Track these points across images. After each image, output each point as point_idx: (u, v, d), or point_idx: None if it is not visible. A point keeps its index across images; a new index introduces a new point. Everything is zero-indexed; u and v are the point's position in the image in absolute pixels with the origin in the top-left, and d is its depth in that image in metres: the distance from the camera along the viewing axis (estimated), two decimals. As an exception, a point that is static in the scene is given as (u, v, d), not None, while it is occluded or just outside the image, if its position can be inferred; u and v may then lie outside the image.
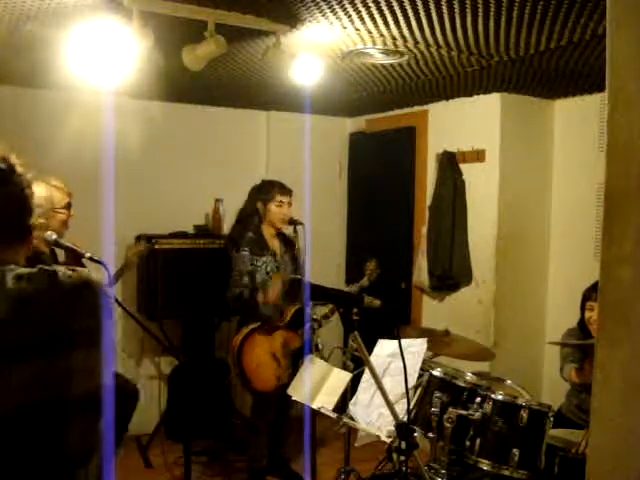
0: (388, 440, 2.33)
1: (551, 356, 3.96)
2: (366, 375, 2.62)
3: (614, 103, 1.13)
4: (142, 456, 4.17)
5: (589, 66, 3.30)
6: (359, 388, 2.69)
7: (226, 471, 4.00)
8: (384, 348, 2.70)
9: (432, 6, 2.43)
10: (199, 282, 4.29)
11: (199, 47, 2.71)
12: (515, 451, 2.60)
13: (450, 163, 4.30)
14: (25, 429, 1.07)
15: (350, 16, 2.59)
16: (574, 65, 3.30)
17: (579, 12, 2.44)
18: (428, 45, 3.00)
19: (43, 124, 4.07)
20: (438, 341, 3.10)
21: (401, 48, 3.07)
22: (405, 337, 2.60)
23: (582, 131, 4.09)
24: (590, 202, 3.87)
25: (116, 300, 3.45)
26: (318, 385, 2.75)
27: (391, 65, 3.42)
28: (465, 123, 4.31)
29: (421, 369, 2.69)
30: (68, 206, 3.16)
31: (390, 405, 2.04)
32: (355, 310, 2.09)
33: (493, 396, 2.69)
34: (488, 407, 2.67)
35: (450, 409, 2.65)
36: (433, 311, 4.55)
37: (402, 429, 2.02)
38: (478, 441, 2.65)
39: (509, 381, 3.14)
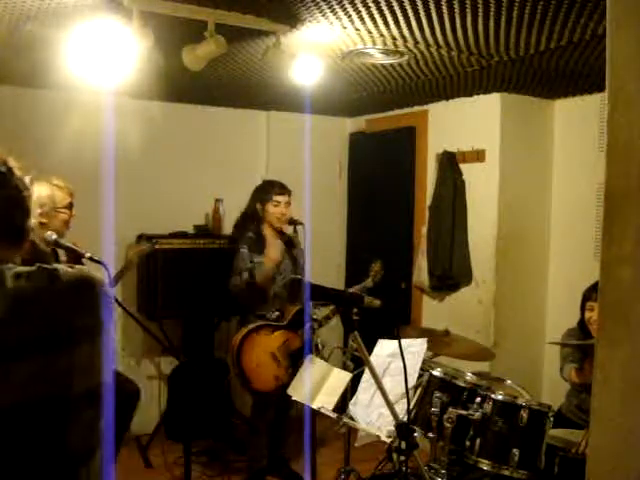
0: (388, 440, 2.32)
1: (551, 356, 3.96)
2: (366, 375, 2.62)
3: (614, 103, 1.13)
4: (142, 456, 4.16)
5: (589, 66, 3.30)
6: (359, 388, 2.69)
7: (226, 471, 3.99)
8: (384, 348, 2.70)
9: (432, 6, 2.43)
10: (199, 282, 4.29)
11: (199, 47, 2.71)
12: (515, 451, 2.59)
13: (450, 163, 4.30)
14: (27, 427, 1.07)
15: (350, 16, 2.59)
16: (574, 65, 3.30)
17: (579, 12, 2.44)
18: (428, 45, 3.00)
19: (43, 124, 4.07)
20: (438, 341, 3.11)
21: (401, 48, 3.07)
22: (405, 337, 2.60)
23: (582, 131, 4.09)
24: (590, 202, 3.87)
25: (116, 300, 3.45)
26: (318, 385, 2.74)
27: (391, 65, 3.42)
28: (465, 123, 4.31)
29: (421, 369, 2.69)
30: (70, 206, 3.16)
31: (390, 405, 2.04)
32: (355, 310, 2.09)
33: (493, 396, 2.69)
34: (488, 407, 2.67)
35: (450, 409, 2.65)
36: (433, 311, 4.55)
37: (402, 429, 2.02)
38: (478, 441, 2.65)
39: (509, 381, 3.13)
